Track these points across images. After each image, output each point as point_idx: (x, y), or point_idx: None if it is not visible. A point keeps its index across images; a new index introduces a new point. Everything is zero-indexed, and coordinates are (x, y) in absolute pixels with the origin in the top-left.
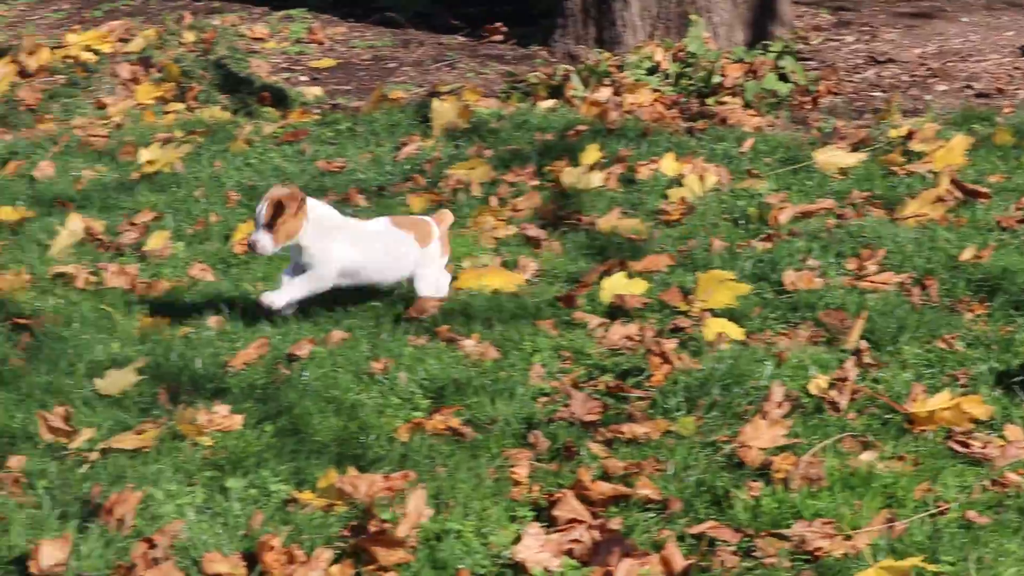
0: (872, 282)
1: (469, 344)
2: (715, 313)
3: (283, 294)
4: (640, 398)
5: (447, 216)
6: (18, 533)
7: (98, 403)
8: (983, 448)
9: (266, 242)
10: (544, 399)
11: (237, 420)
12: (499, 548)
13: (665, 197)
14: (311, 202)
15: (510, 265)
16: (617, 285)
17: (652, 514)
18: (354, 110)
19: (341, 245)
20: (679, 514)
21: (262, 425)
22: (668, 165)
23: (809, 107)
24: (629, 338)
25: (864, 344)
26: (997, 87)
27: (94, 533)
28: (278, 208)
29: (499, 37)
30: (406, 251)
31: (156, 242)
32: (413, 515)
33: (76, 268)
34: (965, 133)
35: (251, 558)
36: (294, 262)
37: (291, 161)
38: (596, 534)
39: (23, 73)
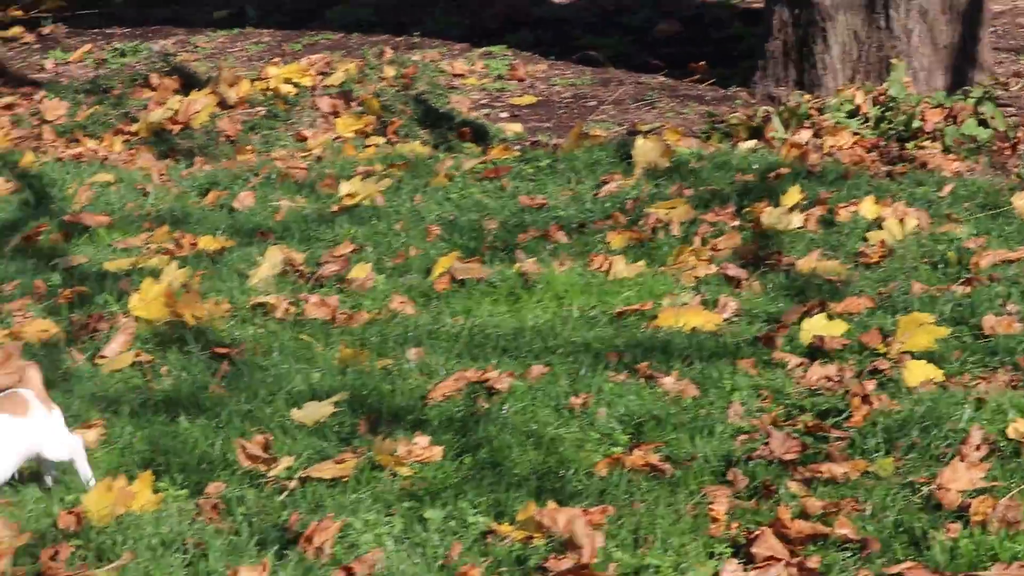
0: None
1: (668, 381)
2: (914, 355)
3: None
4: (839, 438)
5: (31, 372)
6: (216, 559)
7: (297, 432)
8: None
9: None
10: (743, 437)
11: (436, 451)
12: None
13: (865, 240)
14: None
15: (709, 304)
16: (817, 326)
17: (850, 554)
18: (554, 147)
19: None
20: (877, 554)
21: (461, 457)
22: (868, 208)
23: (1008, 153)
24: (828, 378)
25: None
26: None
27: (292, 561)
28: None
29: (698, 77)
30: (11, 435)
31: (357, 274)
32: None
33: (276, 298)
34: None
35: None
36: None
37: (491, 197)
38: (794, 572)
39: (223, 104)
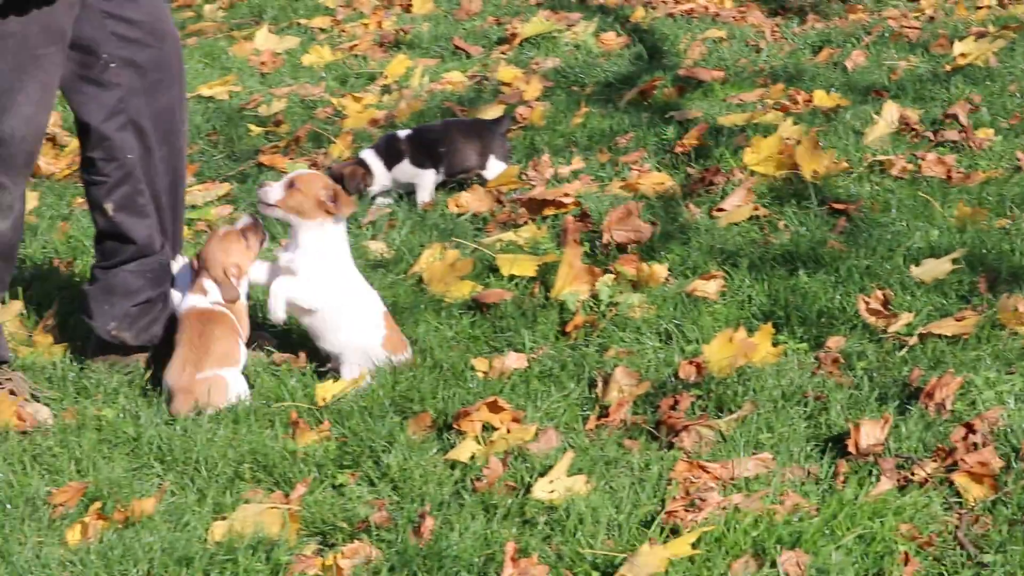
0: None
1: None
2: None
3: None
4: None
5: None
6: (838, 412)
7: (916, 288)
8: None
9: (273, 193)
10: None
11: None
12: None
13: None
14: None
15: None
16: None
17: None
18: None
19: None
20: None
21: None
22: None
23: None
24: None
25: None
26: None
27: (913, 416)
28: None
29: None
30: None
31: (978, 134)
32: None
33: (893, 156)
34: None
35: None
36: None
37: None
38: None
39: None
